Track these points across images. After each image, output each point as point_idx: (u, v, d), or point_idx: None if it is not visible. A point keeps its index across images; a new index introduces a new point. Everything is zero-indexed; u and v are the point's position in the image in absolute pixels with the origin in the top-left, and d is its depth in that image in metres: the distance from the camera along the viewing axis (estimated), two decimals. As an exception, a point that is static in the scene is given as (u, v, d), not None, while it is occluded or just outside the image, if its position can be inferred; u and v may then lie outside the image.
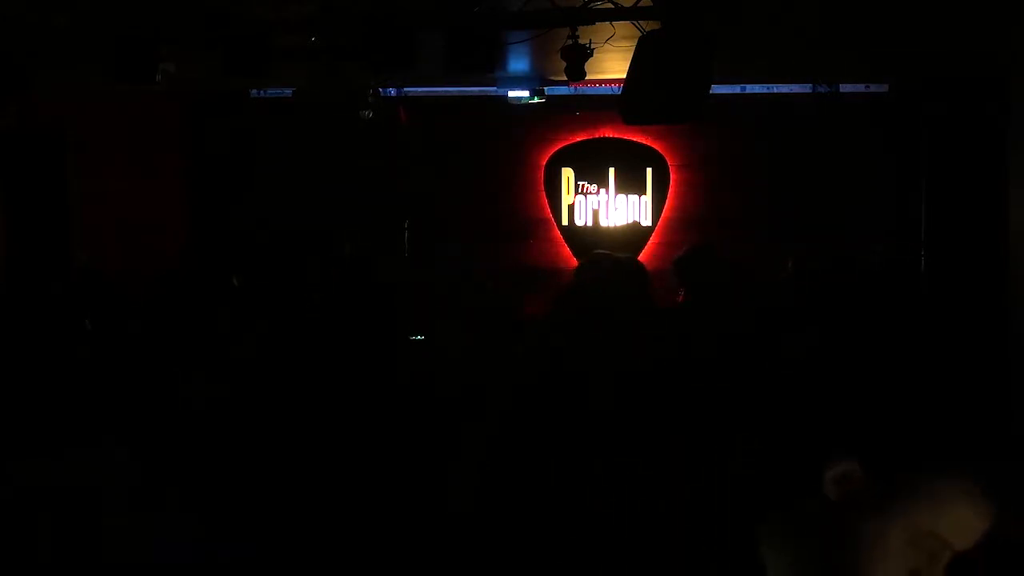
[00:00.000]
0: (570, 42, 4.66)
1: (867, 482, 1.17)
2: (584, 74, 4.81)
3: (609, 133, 7.12)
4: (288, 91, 5.96)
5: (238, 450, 3.23)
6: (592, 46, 4.74)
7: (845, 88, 6.81)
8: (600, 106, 6.83)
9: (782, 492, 1.21)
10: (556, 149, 7.16)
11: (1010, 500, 1.17)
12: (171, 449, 3.10)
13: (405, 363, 3.93)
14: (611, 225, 7.13)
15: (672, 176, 7.12)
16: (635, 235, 7.09)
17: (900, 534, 1.15)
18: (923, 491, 1.16)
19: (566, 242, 7.15)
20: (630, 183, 7.11)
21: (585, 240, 7.03)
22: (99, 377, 3.51)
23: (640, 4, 4.10)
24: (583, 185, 7.13)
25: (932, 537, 1.15)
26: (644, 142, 7.12)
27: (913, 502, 1.15)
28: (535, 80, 6.35)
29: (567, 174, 7.14)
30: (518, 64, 5.87)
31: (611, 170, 7.11)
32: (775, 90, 6.87)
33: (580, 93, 6.81)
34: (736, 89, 6.82)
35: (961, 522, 1.15)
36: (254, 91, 6.94)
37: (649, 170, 7.11)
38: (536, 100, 6.46)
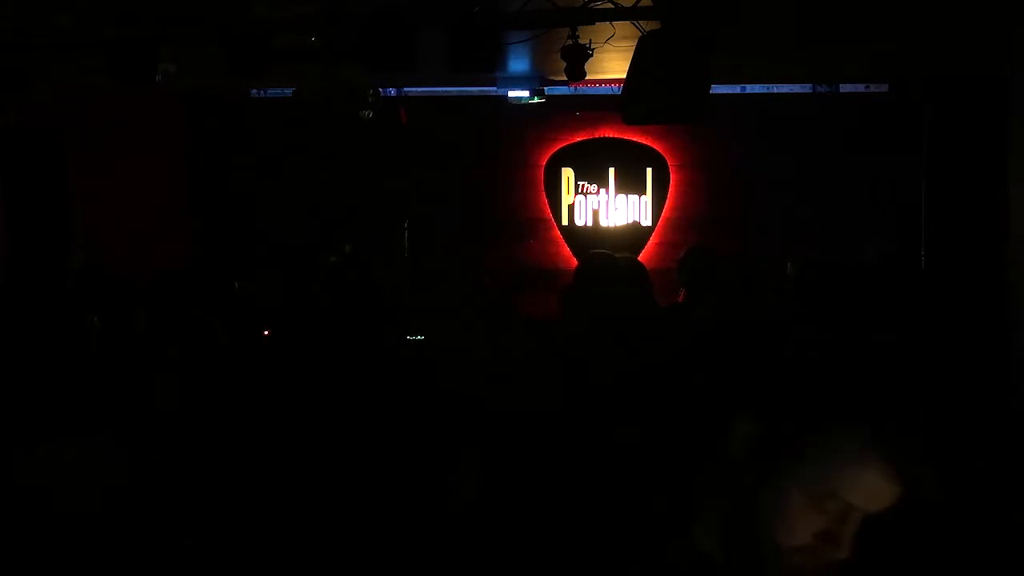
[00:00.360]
0: (570, 42, 4.66)
1: (769, 445, 1.16)
2: (584, 74, 4.82)
3: (609, 133, 7.12)
4: (288, 91, 5.97)
5: (236, 450, 3.24)
6: (592, 46, 4.74)
7: (845, 88, 6.81)
8: (600, 106, 6.83)
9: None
10: (556, 149, 7.17)
11: (920, 463, 1.15)
12: (168, 449, 3.10)
13: (405, 363, 3.93)
14: (611, 225, 7.14)
15: (672, 176, 7.12)
16: (635, 235, 7.09)
17: (802, 495, 1.14)
18: (824, 453, 1.15)
19: (566, 242, 7.16)
20: (630, 183, 7.11)
21: (585, 240, 7.03)
22: (104, 374, 3.51)
23: (640, 4, 4.10)
24: (583, 185, 7.14)
25: (835, 499, 1.14)
26: (644, 142, 7.13)
27: (811, 462, 1.14)
28: (535, 80, 6.35)
29: (567, 174, 7.14)
30: (518, 64, 5.87)
31: (611, 170, 7.12)
32: (775, 90, 6.87)
33: (580, 93, 6.81)
34: (736, 89, 6.82)
35: (864, 485, 1.15)
36: (254, 91, 6.95)
37: (649, 170, 7.12)
38: (536, 100, 6.47)
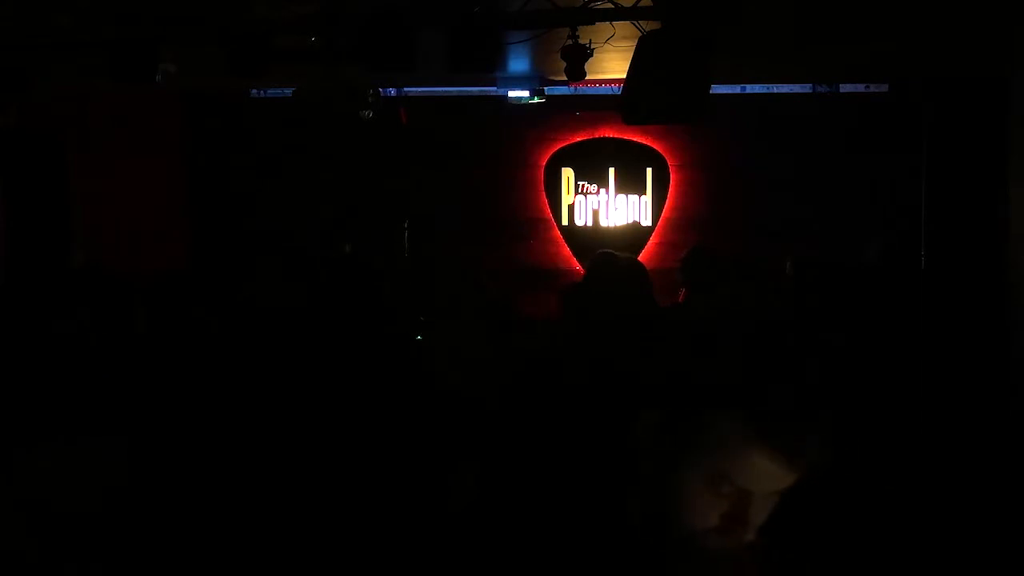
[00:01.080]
0: (570, 42, 4.66)
1: (664, 434, 1.20)
2: (584, 74, 4.82)
3: (609, 133, 7.12)
4: (288, 91, 5.97)
5: (236, 451, 3.24)
6: (592, 46, 4.74)
7: (845, 88, 6.81)
8: (600, 106, 6.83)
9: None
10: (556, 149, 7.17)
11: (809, 444, 1.18)
12: (168, 449, 3.10)
13: (404, 363, 3.93)
14: (611, 225, 7.14)
15: (672, 176, 7.12)
16: (635, 235, 7.09)
17: (699, 479, 1.18)
18: (715, 433, 1.18)
19: (566, 242, 7.16)
20: (630, 183, 7.11)
21: (585, 240, 7.03)
22: (103, 375, 3.51)
23: (640, 4, 4.10)
24: (583, 185, 7.14)
25: (728, 483, 1.18)
26: (644, 142, 7.13)
27: (706, 446, 1.18)
28: (535, 80, 6.35)
29: (567, 174, 7.14)
30: (518, 64, 5.88)
31: (611, 170, 7.12)
32: (775, 90, 6.88)
33: (580, 93, 6.81)
34: (736, 89, 6.82)
35: (754, 467, 1.18)
36: (254, 91, 6.95)
37: (649, 170, 7.11)
38: (536, 100, 6.47)
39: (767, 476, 1.18)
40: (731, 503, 1.18)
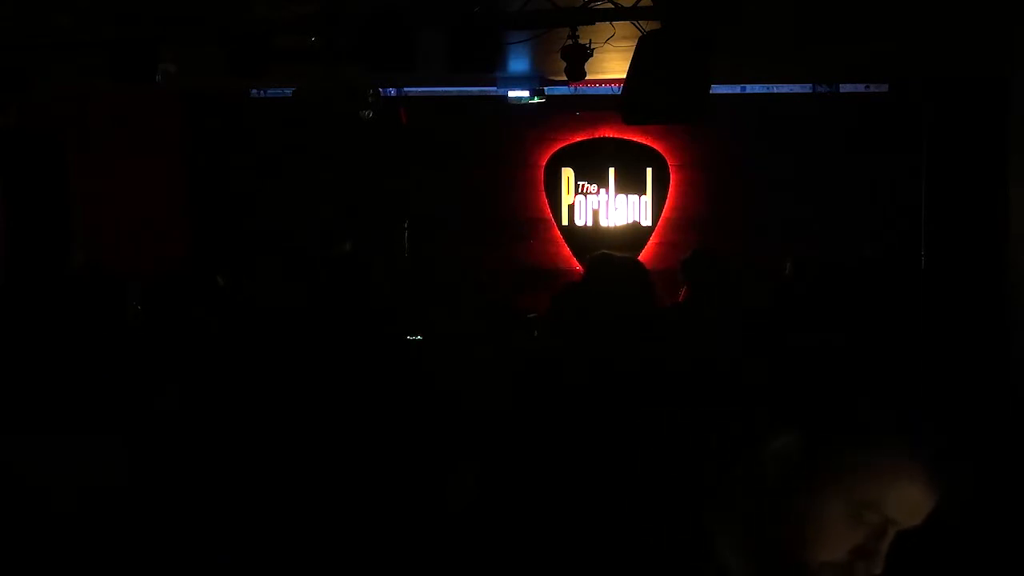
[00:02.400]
0: (570, 42, 4.66)
1: (806, 458, 1.12)
2: (584, 74, 4.82)
3: (609, 133, 7.12)
4: (288, 91, 5.97)
5: (236, 450, 3.24)
6: (592, 46, 4.74)
7: (845, 88, 6.82)
8: (600, 106, 6.83)
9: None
10: (556, 149, 7.17)
11: (957, 477, 1.12)
12: (167, 449, 3.10)
13: (404, 363, 3.93)
14: (611, 225, 7.14)
15: (672, 176, 7.12)
16: (635, 235, 7.09)
17: (840, 508, 1.10)
18: (860, 460, 1.11)
19: (566, 242, 7.16)
20: (630, 183, 7.11)
21: (585, 240, 7.03)
22: (103, 374, 3.51)
23: (640, 4, 4.10)
24: (583, 185, 7.14)
25: (875, 513, 1.10)
26: (644, 142, 7.13)
27: (850, 473, 1.11)
28: (535, 80, 6.35)
29: (567, 174, 7.14)
30: (518, 64, 5.88)
31: (611, 170, 7.11)
32: (775, 90, 6.88)
33: (580, 93, 6.81)
34: (736, 89, 6.82)
35: (904, 498, 1.11)
36: (254, 91, 6.95)
37: (649, 170, 7.11)
38: (536, 100, 6.47)
39: (917, 505, 1.11)
40: (869, 535, 1.10)
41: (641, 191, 7.11)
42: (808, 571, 1.11)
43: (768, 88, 6.87)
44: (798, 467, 1.11)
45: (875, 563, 1.11)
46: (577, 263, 6.99)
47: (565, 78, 4.96)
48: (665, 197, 7.12)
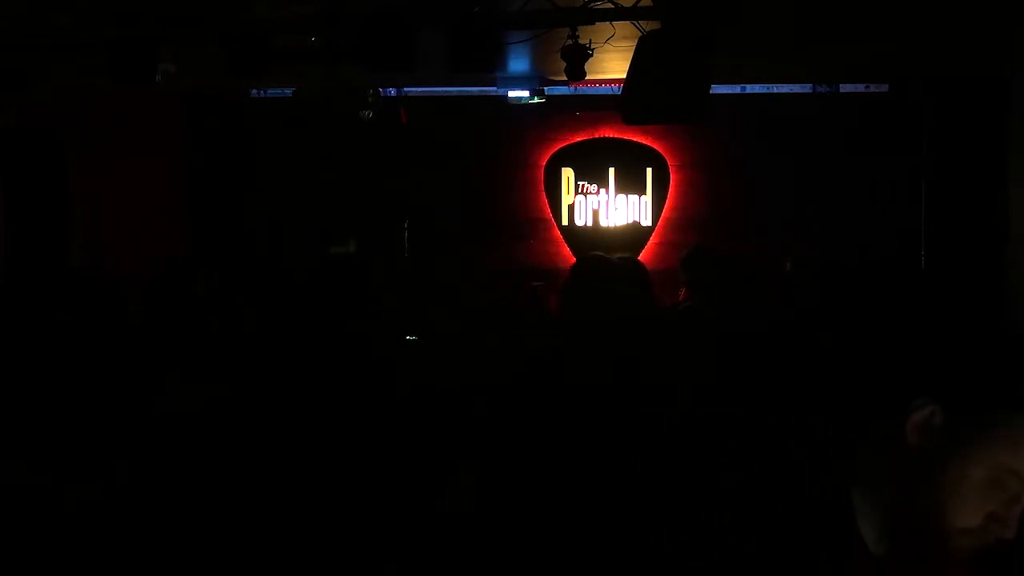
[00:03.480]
0: (570, 42, 4.66)
1: (950, 428, 1.14)
2: (584, 74, 4.82)
3: (609, 133, 7.12)
4: (288, 91, 5.97)
5: (236, 450, 3.23)
6: (592, 46, 4.74)
7: (845, 88, 6.81)
8: (600, 106, 6.83)
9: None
10: (556, 149, 7.17)
11: None
12: (167, 449, 3.10)
13: (403, 363, 3.93)
14: (611, 225, 7.14)
15: (672, 176, 7.12)
16: (635, 235, 7.09)
17: (982, 475, 1.12)
18: (1001, 429, 1.12)
19: (566, 242, 7.15)
20: (630, 183, 7.11)
21: (585, 240, 7.03)
22: (103, 374, 3.51)
23: (640, 4, 4.10)
24: (583, 185, 7.14)
25: (1014, 476, 1.12)
26: (644, 142, 7.13)
27: (992, 441, 1.12)
28: (535, 80, 6.35)
29: (567, 174, 7.14)
30: (518, 64, 5.88)
31: (611, 170, 7.12)
32: (775, 90, 6.88)
33: (580, 93, 6.81)
34: (736, 89, 6.82)
35: None
36: (254, 91, 6.95)
37: (649, 170, 7.11)
38: (536, 100, 6.47)
39: None
40: (1004, 501, 1.12)
41: (641, 191, 7.12)
42: (945, 538, 1.12)
43: (768, 88, 6.87)
44: (942, 438, 1.13)
45: (1009, 527, 1.13)
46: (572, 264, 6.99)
47: (565, 78, 4.96)
48: (665, 197, 7.12)
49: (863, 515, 1.17)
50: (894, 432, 1.15)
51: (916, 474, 1.13)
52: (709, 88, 4.03)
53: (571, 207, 7.15)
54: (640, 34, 4.13)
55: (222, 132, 6.98)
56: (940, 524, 1.12)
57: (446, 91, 6.89)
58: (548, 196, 7.18)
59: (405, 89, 6.92)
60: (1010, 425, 1.12)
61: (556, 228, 7.18)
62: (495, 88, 6.45)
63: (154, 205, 6.84)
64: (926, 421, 1.13)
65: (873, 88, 6.81)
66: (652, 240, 7.11)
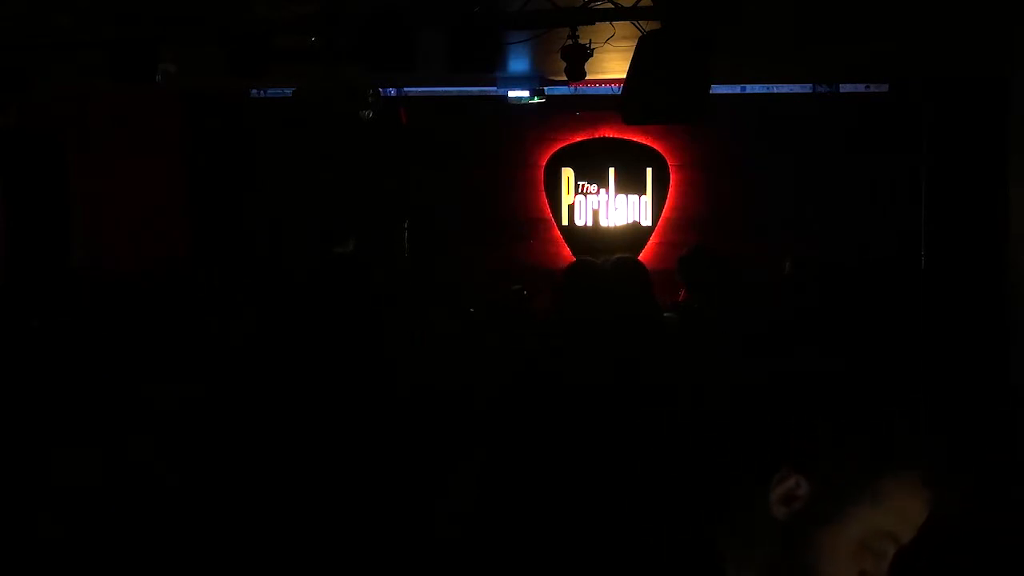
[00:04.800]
0: (570, 42, 4.66)
1: (812, 494, 1.14)
2: (584, 74, 4.82)
3: (609, 133, 7.12)
4: (288, 91, 5.97)
5: (237, 450, 3.24)
6: (592, 46, 4.74)
7: (845, 88, 6.81)
8: (600, 106, 6.83)
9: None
10: (556, 149, 7.17)
11: (946, 479, 1.14)
12: (167, 449, 3.10)
13: (404, 363, 3.93)
14: (611, 225, 7.14)
15: (672, 176, 7.12)
16: (635, 235, 7.09)
17: (854, 537, 1.13)
18: (869, 492, 1.13)
19: (566, 242, 7.16)
20: (630, 183, 7.11)
21: (585, 240, 7.03)
22: (103, 374, 3.51)
23: (640, 4, 4.10)
24: (583, 185, 7.14)
25: (887, 536, 1.13)
26: (644, 142, 7.13)
27: (861, 506, 1.12)
28: (535, 80, 6.35)
29: (567, 174, 7.14)
30: (518, 64, 5.88)
31: (611, 170, 7.11)
32: (775, 90, 6.88)
33: (580, 93, 6.81)
34: (736, 89, 6.82)
35: (906, 514, 1.13)
36: (254, 91, 6.95)
37: (649, 170, 7.11)
38: (536, 100, 6.47)
39: (915, 518, 1.13)
40: (874, 559, 1.12)
41: (641, 191, 7.11)
42: None
43: (768, 88, 6.87)
44: (808, 506, 1.12)
45: None
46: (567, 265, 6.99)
47: (565, 78, 4.96)
48: (665, 197, 7.12)
49: (734, 558, 1.18)
50: (762, 497, 1.15)
51: (788, 535, 1.14)
52: (709, 88, 4.03)
53: (571, 207, 7.15)
54: (640, 34, 4.14)
55: (222, 132, 6.98)
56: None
57: (446, 91, 6.89)
58: (548, 196, 7.18)
59: (405, 89, 6.92)
60: (876, 487, 1.12)
61: (556, 228, 7.18)
62: (495, 88, 6.45)
63: (154, 205, 6.84)
64: (790, 492, 1.13)
65: (873, 88, 6.81)
66: (652, 240, 7.11)
